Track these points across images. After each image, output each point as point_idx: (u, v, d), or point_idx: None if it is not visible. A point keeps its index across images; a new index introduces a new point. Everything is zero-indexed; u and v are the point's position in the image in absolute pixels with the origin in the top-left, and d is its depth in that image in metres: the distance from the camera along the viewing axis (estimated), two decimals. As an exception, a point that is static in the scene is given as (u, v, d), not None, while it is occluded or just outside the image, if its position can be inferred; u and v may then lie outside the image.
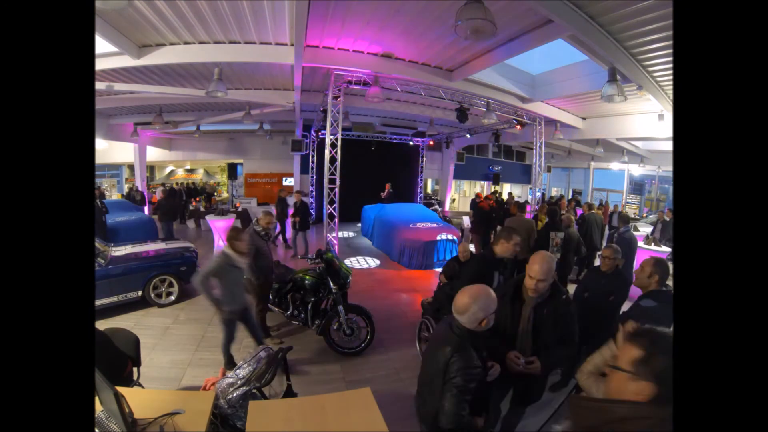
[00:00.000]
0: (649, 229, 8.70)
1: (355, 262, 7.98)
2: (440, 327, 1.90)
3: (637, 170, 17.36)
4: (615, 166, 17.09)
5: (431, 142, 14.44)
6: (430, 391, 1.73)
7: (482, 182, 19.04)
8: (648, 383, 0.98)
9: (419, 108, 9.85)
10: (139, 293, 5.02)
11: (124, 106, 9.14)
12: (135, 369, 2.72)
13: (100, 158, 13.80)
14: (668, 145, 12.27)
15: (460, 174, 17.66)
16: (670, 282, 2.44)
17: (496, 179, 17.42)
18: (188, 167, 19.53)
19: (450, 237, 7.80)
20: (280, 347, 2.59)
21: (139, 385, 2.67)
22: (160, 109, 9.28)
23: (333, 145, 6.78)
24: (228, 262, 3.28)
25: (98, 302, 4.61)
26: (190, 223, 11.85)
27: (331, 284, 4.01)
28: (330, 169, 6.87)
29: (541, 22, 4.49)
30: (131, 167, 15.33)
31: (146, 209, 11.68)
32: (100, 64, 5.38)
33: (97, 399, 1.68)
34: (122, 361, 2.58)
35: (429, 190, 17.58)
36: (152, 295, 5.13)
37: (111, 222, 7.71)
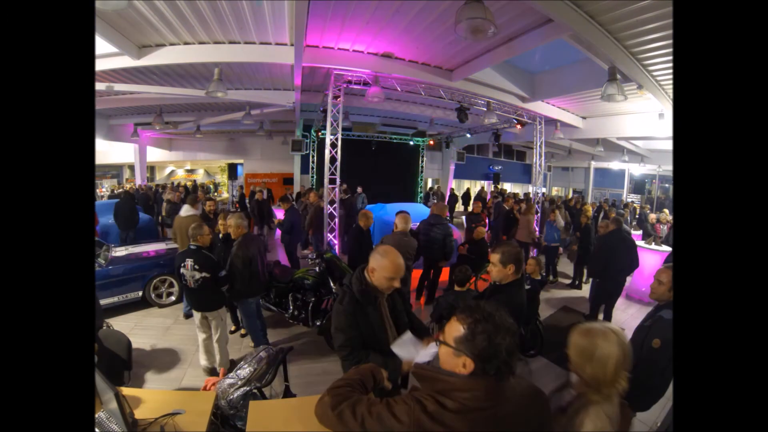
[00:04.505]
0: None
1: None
2: None
3: (637, 169, 17.35)
4: (615, 165, 17.08)
5: (431, 142, 14.42)
6: None
7: (482, 182, 19.05)
8: (468, 359, 1.04)
9: (419, 108, 9.84)
10: (140, 293, 5.02)
11: (124, 107, 9.13)
12: (126, 372, 2.68)
13: (100, 159, 13.80)
14: (668, 144, 12.26)
15: (461, 174, 17.65)
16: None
17: (496, 179, 17.41)
18: (188, 167, 19.53)
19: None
20: (281, 347, 2.58)
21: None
22: (160, 109, 9.27)
23: (333, 145, 6.77)
24: None
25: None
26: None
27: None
28: (330, 169, 6.86)
29: (541, 22, 4.48)
30: (131, 167, 15.33)
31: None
32: (100, 65, 5.38)
33: (97, 399, 1.68)
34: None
35: (428, 190, 17.60)
36: (153, 296, 5.13)
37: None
